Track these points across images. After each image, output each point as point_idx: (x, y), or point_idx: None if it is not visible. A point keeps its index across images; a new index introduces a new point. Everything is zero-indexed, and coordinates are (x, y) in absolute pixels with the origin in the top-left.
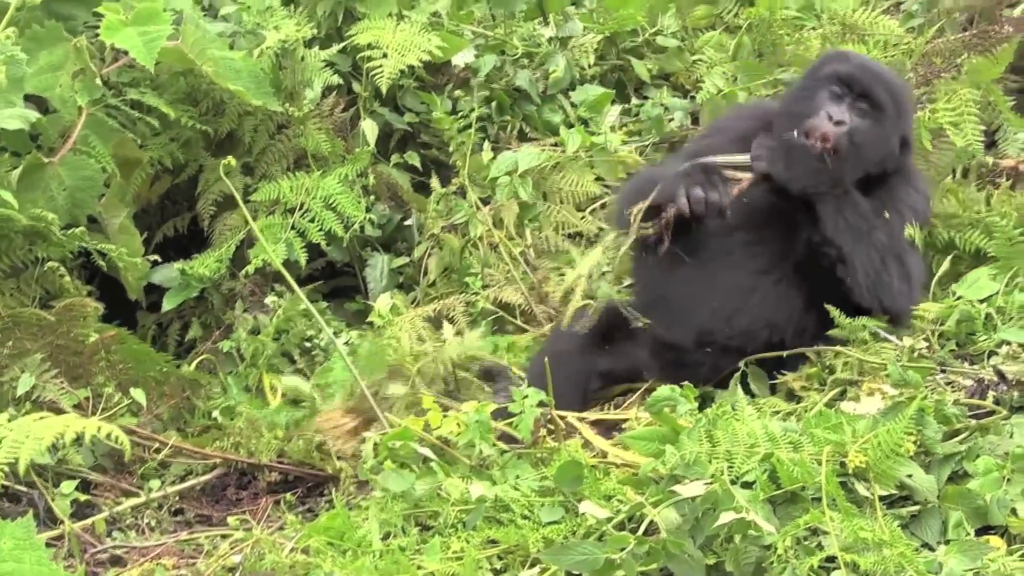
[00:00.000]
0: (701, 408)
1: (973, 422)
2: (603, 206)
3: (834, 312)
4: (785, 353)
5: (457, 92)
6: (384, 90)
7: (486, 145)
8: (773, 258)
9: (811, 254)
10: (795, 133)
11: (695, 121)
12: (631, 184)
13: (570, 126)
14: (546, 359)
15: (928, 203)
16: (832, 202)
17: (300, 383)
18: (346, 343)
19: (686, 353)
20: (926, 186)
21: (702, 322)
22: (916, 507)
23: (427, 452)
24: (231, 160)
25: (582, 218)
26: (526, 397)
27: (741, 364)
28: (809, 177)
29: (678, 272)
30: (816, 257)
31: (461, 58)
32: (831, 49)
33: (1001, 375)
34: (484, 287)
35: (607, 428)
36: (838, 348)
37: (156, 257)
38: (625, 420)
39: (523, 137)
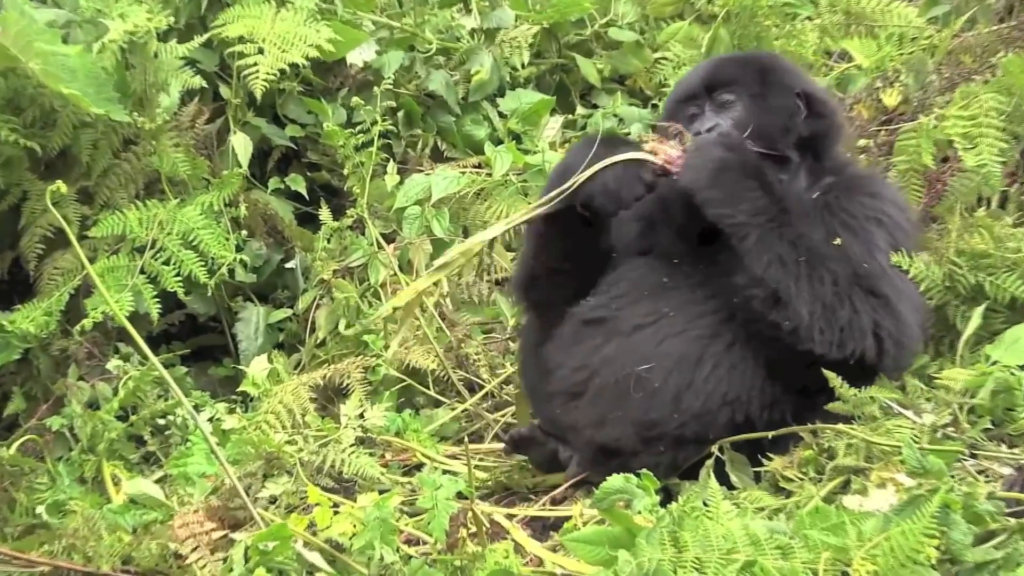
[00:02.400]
0: (664, 503)
1: (1012, 522)
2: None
3: (831, 378)
4: (771, 434)
5: (354, 99)
6: (259, 96)
7: (391, 166)
8: (719, 315)
9: (741, 302)
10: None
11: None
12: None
13: (498, 142)
14: None
15: (906, 213)
16: (753, 233)
17: (149, 487)
18: (210, 421)
19: (631, 457)
20: (894, 191)
21: (641, 411)
22: None
23: (314, 558)
24: (62, 185)
25: (513, 260)
26: (439, 487)
27: (714, 449)
28: (730, 196)
29: (597, 345)
30: (745, 304)
31: (359, 55)
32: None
33: None
34: (387, 348)
35: (543, 528)
36: (839, 427)
37: None
38: (566, 518)
39: (438, 156)
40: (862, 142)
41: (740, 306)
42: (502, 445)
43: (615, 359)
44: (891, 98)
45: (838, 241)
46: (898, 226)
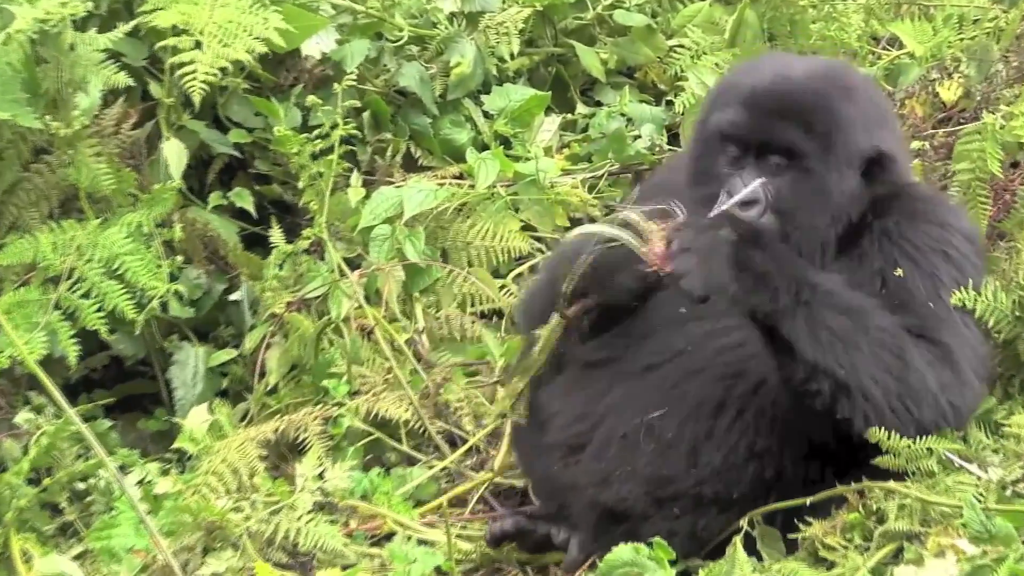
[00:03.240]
0: None
1: None
2: (533, 270)
3: (876, 435)
4: (808, 500)
5: (310, 98)
6: (197, 96)
7: (355, 178)
8: (745, 349)
9: (796, 399)
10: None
11: (674, 139)
12: (549, 263)
13: (483, 148)
14: None
15: (975, 246)
16: (800, 313)
17: (67, 565)
18: (140, 484)
19: (641, 521)
20: (964, 219)
21: (653, 466)
22: None
23: None
24: None
25: (502, 288)
26: (413, 561)
27: (742, 523)
28: (751, 294)
29: (601, 389)
30: (804, 400)
31: (315, 45)
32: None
33: None
34: (352, 394)
35: None
36: (890, 484)
37: None
38: None
39: (411, 165)
40: (915, 145)
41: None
42: (489, 513)
43: (622, 406)
44: (949, 92)
45: (899, 272)
46: (966, 260)
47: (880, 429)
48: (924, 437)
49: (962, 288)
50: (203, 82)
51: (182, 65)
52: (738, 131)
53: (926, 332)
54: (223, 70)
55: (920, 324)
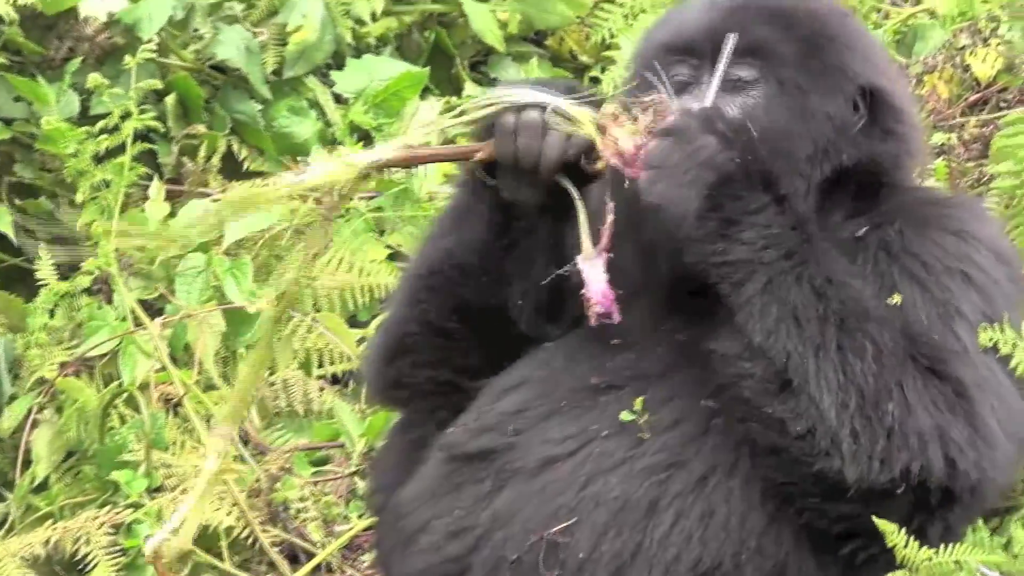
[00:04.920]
0: None
1: None
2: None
3: (884, 527)
4: None
5: (92, 76)
6: None
7: (155, 188)
8: (684, 428)
9: (728, 384)
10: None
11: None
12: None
13: (334, 145)
14: None
15: (1010, 265)
16: (759, 274)
17: None
18: None
19: None
20: (992, 228)
21: None
22: None
23: None
24: None
25: (361, 341)
26: None
27: None
28: (709, 240)
29: (483, 493)
30: (733, 388)
31: (99, 4)
32: None
33: None
34: (153, 492)
35: None
36: None
37: None
38: None
39: (234, 169)
40: (938, 137)
41: (727, 393)
42: None
43: (512, 516)
44: (985, 64)
45: (896, 299)
46: (996, 285)
47: (830, 458)
48: (901, 489)
49: (990, 323)
50: None
51: None
52: (688, 35)
53: (937, 366)
54: None
55: (930, 356)
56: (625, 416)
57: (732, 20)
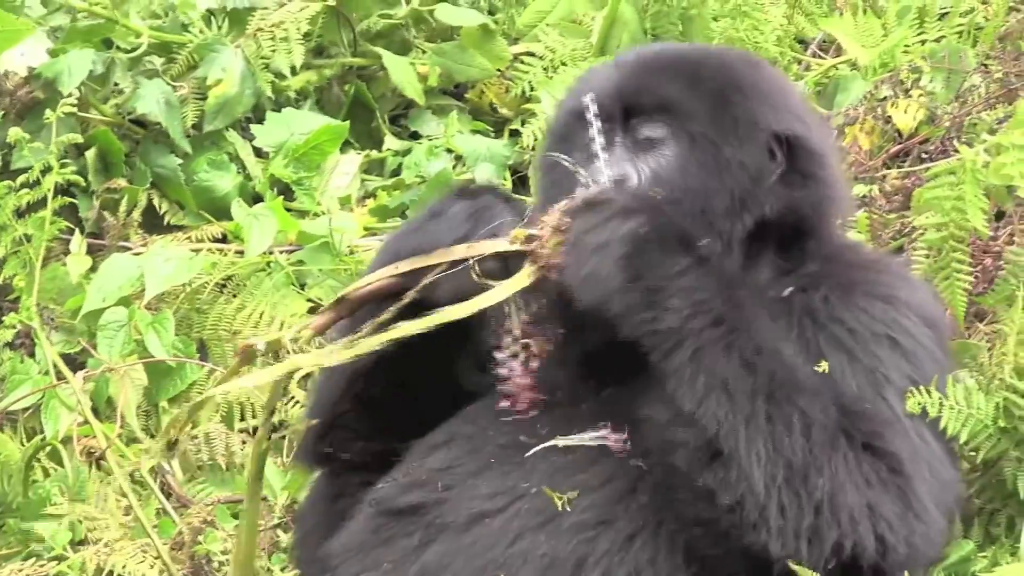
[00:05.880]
0: None
1: None
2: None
3: None
4: None
5: (13, 130)
6: None
7: (76, 241)
8: (613, 486)
9: (658, 452)
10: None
11: (521, 183)
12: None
13: (255, 199)
14: None
15: (938, 329)
16: (688, 343)
17: None
18: None
19: None
20: (921, 291)
21: None
22: None
23: None
24: None
25: (284, 393)
26: None
27: None
28: (635, 310)
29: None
30: (662, 456)
31: (19, 58)
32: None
33: None
34: (77, 545)
35: None
36: None
37: None
38: None
39: (154, 223)
40: (859, 189)
41: (655, 458)
42: None
43: (441, 571)
44: (907, 116)
45: (823, 367)
46: (925, 351)
47: (758, 532)
48: (832, 565)
49: (918, 388)
50: None
51: None
52: (600, 98)
53: (873, 440)
54: None
55: (864, 429)
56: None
57: (638, 79)
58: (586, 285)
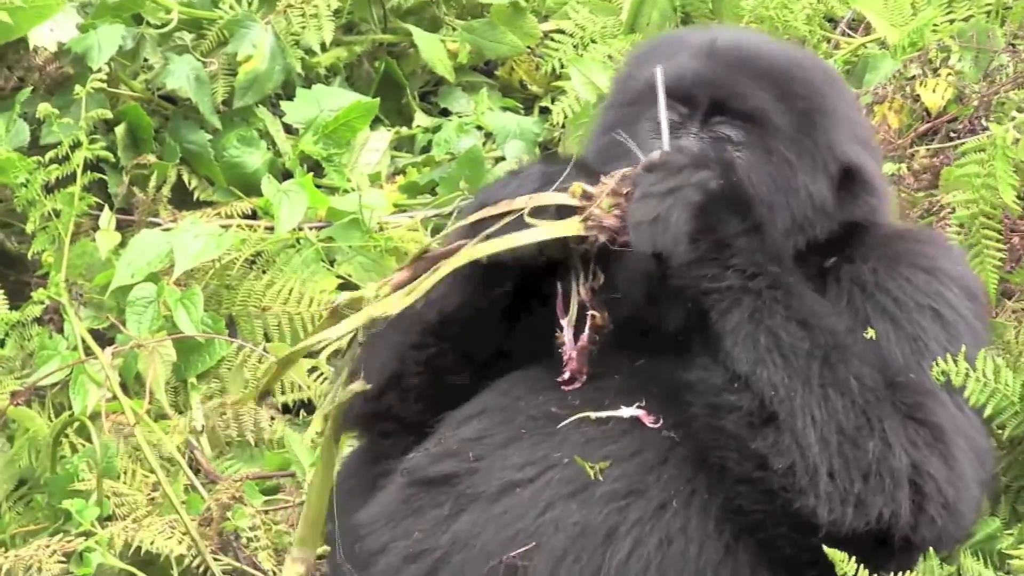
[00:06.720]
0: None
1: None
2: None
3: (836, 558)
4: None
5: (42, 106)
6: None
7: (105, 217)
8: (643, 457)
9: (706, 417)
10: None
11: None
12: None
13: (284, 176)
14: None
15: (977, 302)
16: (747, 302)
17: None
18: None
19: None
20: (962, 265)
21: None
22: None
23: None
24: None
25: (312, 371)
26: None
27: None
28: (697, 264)
29: (442, 517)
30: (711, 420)
31: (49, 34)
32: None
33: None
34: (104, 520)
35: None
36: None
37: None
38: None
39: (184, 200)
40: (888, 167)
41: (702, 424)
42: None
43: (472, 540)
44: (935, 94)
45: (871, 333)
46: (964, 323)
47: (807, 497)
48: (874, 533)
49: (949, 357)
50: None
51: None
52: (685, 82)
53: (915, 412)
54: None
55: (908, 399)
56: (579, 461)
57: (731, 79)
58: (651, 230)
